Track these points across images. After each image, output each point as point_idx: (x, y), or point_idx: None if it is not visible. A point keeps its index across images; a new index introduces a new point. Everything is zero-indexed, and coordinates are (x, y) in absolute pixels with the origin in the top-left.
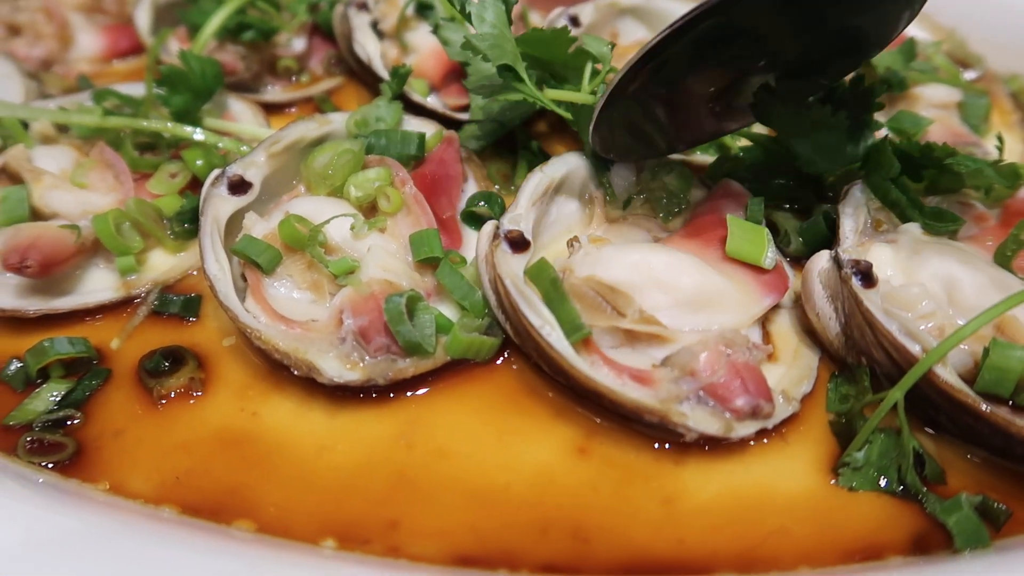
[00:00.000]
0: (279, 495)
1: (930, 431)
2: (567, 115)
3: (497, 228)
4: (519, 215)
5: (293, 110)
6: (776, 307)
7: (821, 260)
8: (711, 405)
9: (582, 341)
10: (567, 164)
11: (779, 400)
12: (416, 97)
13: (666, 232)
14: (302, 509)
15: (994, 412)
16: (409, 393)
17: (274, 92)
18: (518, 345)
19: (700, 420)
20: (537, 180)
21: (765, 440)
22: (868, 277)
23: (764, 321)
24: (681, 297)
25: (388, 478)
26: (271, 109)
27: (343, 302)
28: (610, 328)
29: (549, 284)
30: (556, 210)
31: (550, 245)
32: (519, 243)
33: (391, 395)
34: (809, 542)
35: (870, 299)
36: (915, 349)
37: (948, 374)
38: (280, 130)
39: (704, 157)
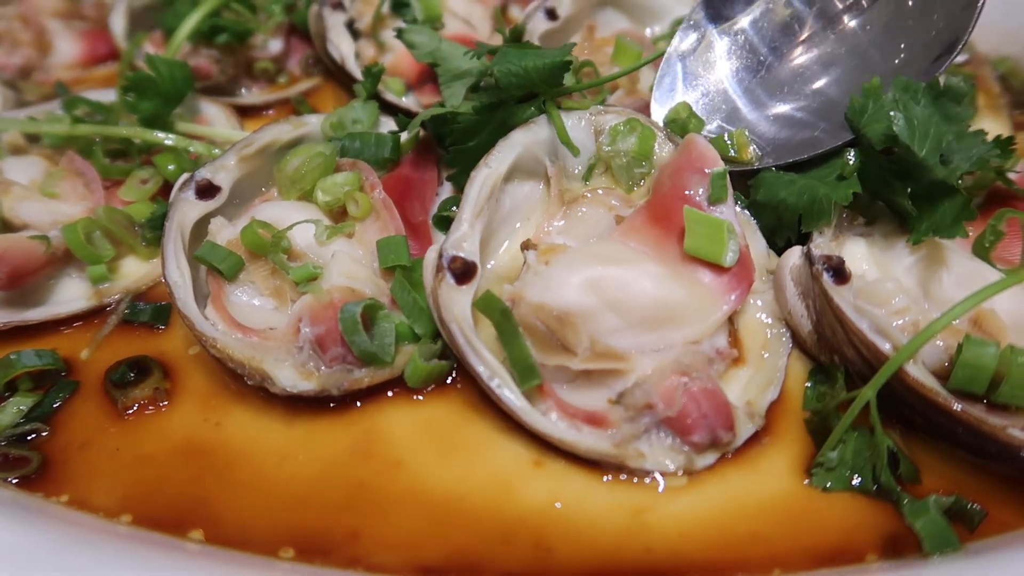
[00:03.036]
0: (240, 506)
1: (905, 430)
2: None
3: (440, 257)
4: (461, 236)
5: (271, 112)
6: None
7: (793, 256)
8: (671, 440)
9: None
10: (516, 146)
11: (742, 419)
12: (391, 97)
13: (629, 207)
14: (262, 520)
15: (966, 410)
16: (367, 403)
17: (251, 95)
18: None
19: (658, 460)
20: (481, 180)
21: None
22: (840, 273)
23: (731, 317)
24: (636, 317)
25: (347, 488)
26: (248, 112)
27: (302, 310)
28: (563, 368)
29: (499, 317)
30: (509, 200)
31: (505, 243)
32: (464, 273)
33: (356, 404)
34: (782, 546)
35: (841, 296)
36: (885, 347)
37: (919, 372)
38: (253, 133)
39: None
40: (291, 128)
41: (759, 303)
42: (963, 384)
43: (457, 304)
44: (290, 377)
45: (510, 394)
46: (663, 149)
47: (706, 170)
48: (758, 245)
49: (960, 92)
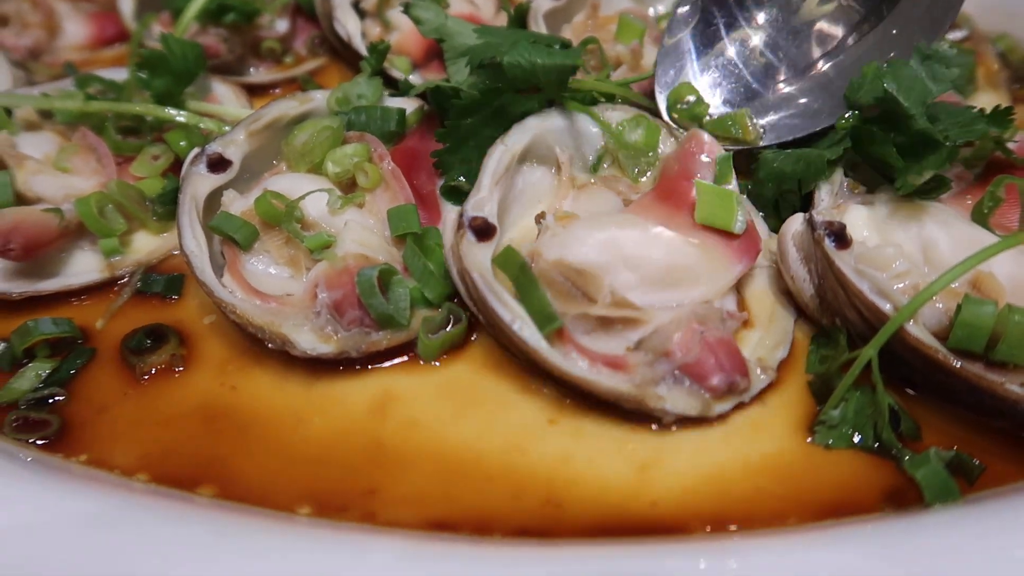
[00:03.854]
0: (256, 465)
1: (905, 390)
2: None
3: (461, 216)
4: (482, 199)
5: (277, 91)
6: (752, 269)
7: (795, 223)
8: (688, 384)
9: (556, 331)
10: (530, 131)
11: (755, 370)
12: (396, 74)
13: (636, 193)
14: (279, 479)
15: (965, 367)
16: (385, 364)
17: (258, 74)
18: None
19: (678, 402)
20: (498, 155)
21: (741, 406)
22: (841, 238)
23: (739, 285)
24: (651, 274)
25: (364, 448)
26: (255, 91)
27: (318, 276)
28: (582, 314)
29: (518, 271)
30: (522, 180)
31: (519, 220)
32: (484, 231)
33: (367, 367)
34: (784, 501)
35: (842, 259)
36: (886, 307)
37: (919, 331)
38: (260, 108)
39: None
40: (297, 104)
41: (764, 277)
42: (962, 343)
43: (477, 257)
44: (309, 340)
45: (531, 334)
46: (667, 143)
47: (710, 156)
48: (760, 226)
49: (946, 56)
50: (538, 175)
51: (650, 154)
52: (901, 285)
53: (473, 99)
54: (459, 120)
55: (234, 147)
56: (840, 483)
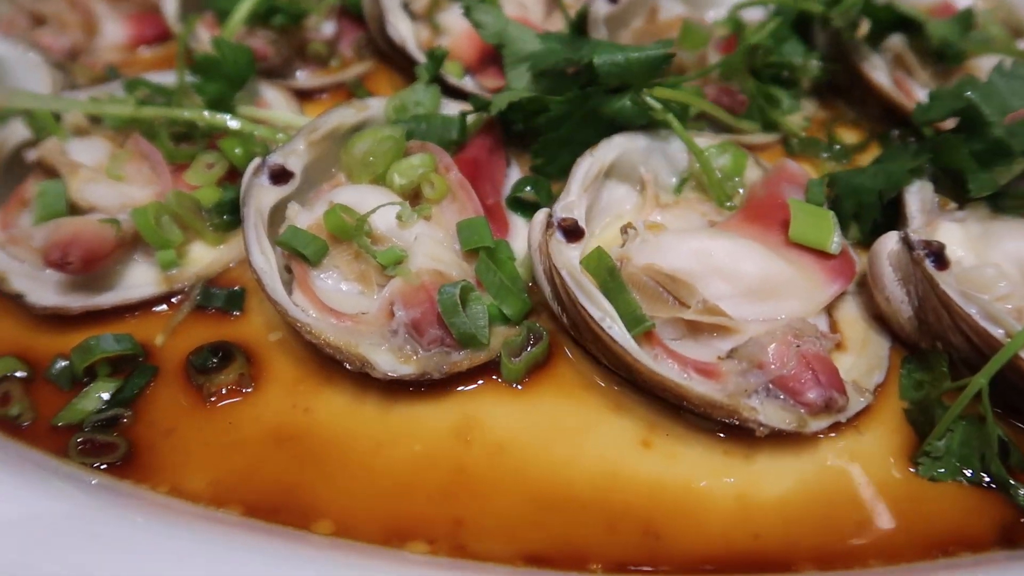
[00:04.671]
0: (338, 493)
1: (1015, 419)
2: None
3: (550, 217)
4: (571, 202)
5: (325, 96)
6: (843, 294)
7: (890, 242)
8: (781, 398)
9: (645, 334)
10: (617, 147)
11: (851, 391)
12: (453, 80)
13: (721, 216)
14: (363, 507)
15: None
16: (463, 388)
17: (305, 78)
18: (573, 337)
19: (772, 415)
20: (587, 165)
21: (835, 432)
22: (940, 258)
23: (830, 309)
24: (744, 286)
25: (448, 475)
26: (302, 95)
27: (393, 293)
28: (671, 320)
29: (607, 274)
30: (607, 195)
31: (602, 233)
32: (573, 232)
33: (447, 389)
34: (891, 535)
35: (946, 282)
36: (998, 333)
37: None
38: (318, 117)
39: (760, 138)
40: (355, 112)
41: (855, 302)
42: None
43: (566, 256)
44: (389, 361)
45: (620, 333)
46: (752, 171)
47: (798, 184)
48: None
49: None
50: (622, 192)
51: (736, 179)
52: (1007, 308)
53: (561, 109)
54: (551, 131)
55: (295, 157)
56: (948, 517)
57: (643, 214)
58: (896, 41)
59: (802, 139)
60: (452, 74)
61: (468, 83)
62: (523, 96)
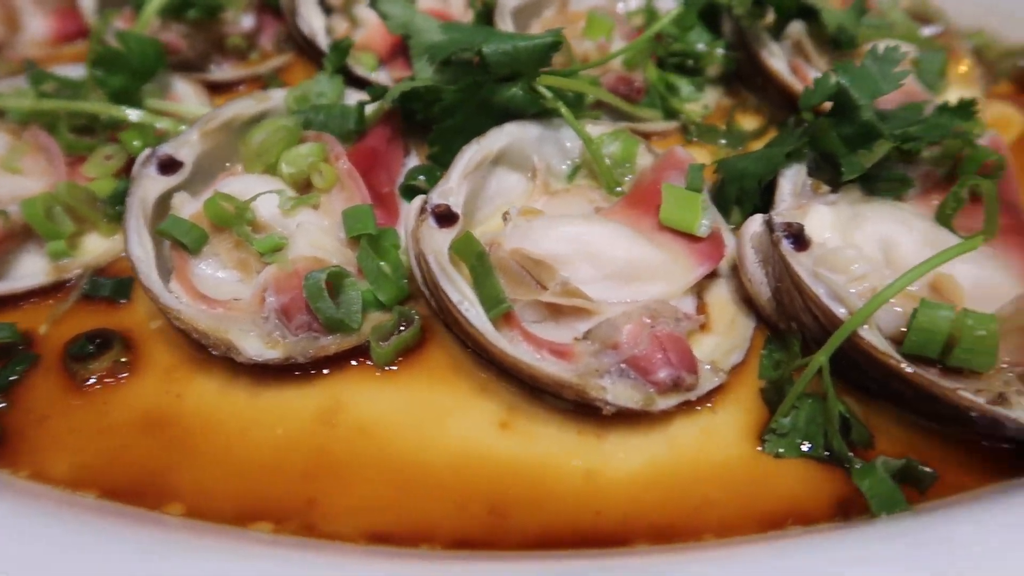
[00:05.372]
0: (197, 476)
1: (862, 395)
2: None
3: (425, 203)
4: (449, 189)
5: (242, 88)
6: (715, 276)
7: (754, 224)
8: (633, 378)
9: (503, 316)
10: (507, 135)
11: (706, 370)
12: (360, 71)
13: (609, 203)
14: (219, 489)
15: (918, 373)
16: (331, 371)
17: (222, 71)
18: (445, 321)
19: (620, 394)
20: (471, 153)
21: (694, 409)
22: (800, 239)
23: (701, 291)
24: (611, 270)
25: (308, 456)
26: (220, 88)
27: (266, 280)
28: (533, 302)
29: (475, 258)
30: (496, 183)
31: (487, 220)
32: (446, 217)
33: (318, 373)
34: (731, 511)
35: (799, 262)
36: (841, 312)
37: (873, 336)
38: (216, 108)
39: (659, 125)
40: (254, 103)
41: (728, 285)
42: (917, 348)
43: (435, 241)
44: (256, 346)
45: (477, 316)
46: (644, 157)
47: (683, 169)
48: (726, 234)
49: (895, 58)
50: (513, 180)
51: (627, 165)
52: (860, 288)
53: (454, 98)
54: (446, 120)
55: (187, 148)
56: (789, 493)
57: (531, 201)
58: (796, 28)
59: (699, 126)
60: (366, 65)
61: (381, 75)
62: (417, 85)
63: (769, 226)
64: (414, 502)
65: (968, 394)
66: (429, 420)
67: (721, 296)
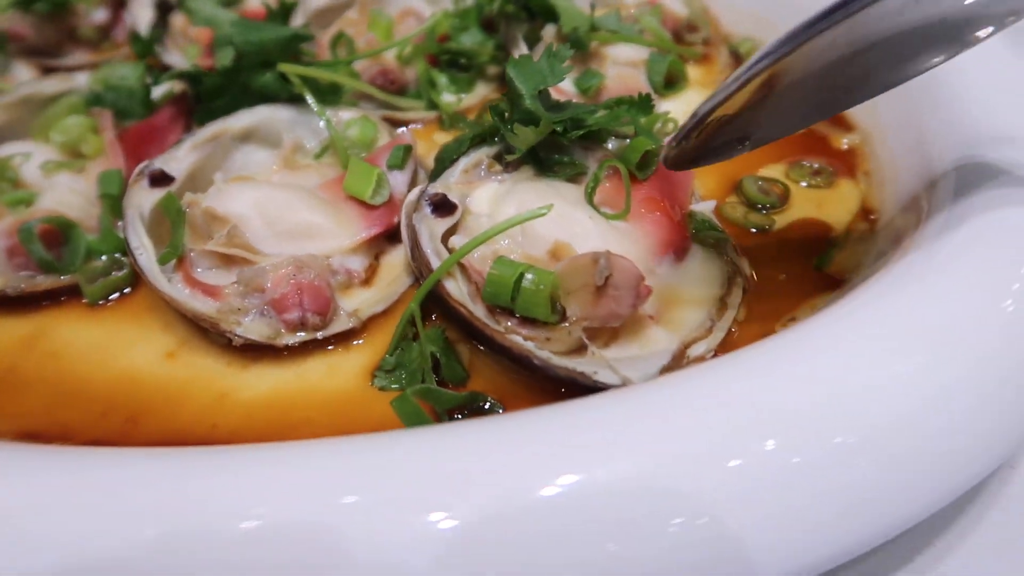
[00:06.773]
0: None
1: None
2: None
3: (145, 168)
4: (170, 156)
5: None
6: (399, 243)
7: (412, 194)
8: (271, 317)
9: (177, 261)
10: (257, 115)
11: (342, 316)
12: (169, 59)
13: None
14: None
15: (473, 313)
16: (48, 306)
17: (77, 58)
18: None
19: (251, 328)
20: (210, 126)
21: (327, 349)
22: (441, 207)
23: (380, 253)
24: (283, 228)
25: None
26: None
27: (3, 227)
28: (208, 252)
29: (175, 214)
30: (241, 158)
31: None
32: (159, 179)
33: (39, 304)
34: (324, 429)
35: (420, 221)
36: (435, 264)
37: (453, 287)
38: (18, 85)
39: (420, 114)
40: (57, 82)
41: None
42: (492, 298)
43: (138, 199)
44: None
45: (146, 260)
46: (383, 138)
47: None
48: None
49: (563, 55)
50: (261, 156)
51: (367, 146)
52: (484, 252)
53: (216, 82)
54: (211, 101)
55: None
56: (382, 419)
57: (268, 174)
58: (549, 30)
59: (451, 115)
60: (190, 56)
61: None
62: (188, 72)
63: (421, 195)
64: (70, 411)
65: (516, 337)
66: (113, 348)
67: (395, 259)
